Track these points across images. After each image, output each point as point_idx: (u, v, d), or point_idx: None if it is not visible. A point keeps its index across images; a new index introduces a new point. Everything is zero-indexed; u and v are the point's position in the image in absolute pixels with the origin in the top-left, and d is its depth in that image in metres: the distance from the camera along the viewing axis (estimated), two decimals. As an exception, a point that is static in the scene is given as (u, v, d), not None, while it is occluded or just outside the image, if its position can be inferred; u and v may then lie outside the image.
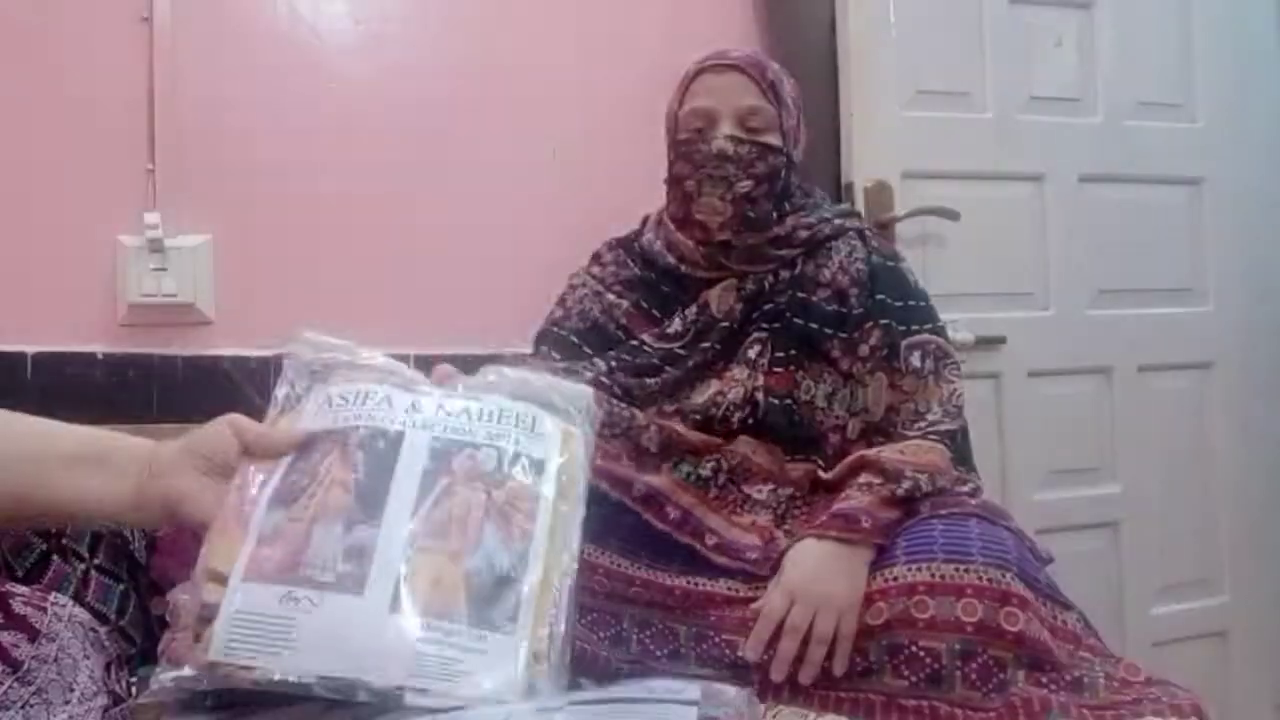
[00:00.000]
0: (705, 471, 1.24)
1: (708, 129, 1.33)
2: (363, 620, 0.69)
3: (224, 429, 0.77)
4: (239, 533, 0.72)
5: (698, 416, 1.27)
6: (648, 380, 1.29)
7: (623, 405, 1.26)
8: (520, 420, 0.80)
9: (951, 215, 1.79)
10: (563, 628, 0.73)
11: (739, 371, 1.29)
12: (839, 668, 1.07)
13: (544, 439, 0.80)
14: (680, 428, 1.26)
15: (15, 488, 0.76)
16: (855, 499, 1.15)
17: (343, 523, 0.72)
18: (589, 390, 0.87)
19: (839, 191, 1.77)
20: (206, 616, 0.70)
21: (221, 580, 0.71)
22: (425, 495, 0.74)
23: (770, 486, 1.25)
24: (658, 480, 1.22)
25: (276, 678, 0.68)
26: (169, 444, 0.78)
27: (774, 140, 1.33)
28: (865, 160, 1.78)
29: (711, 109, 1.33)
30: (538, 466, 0.78)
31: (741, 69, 1.34)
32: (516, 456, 0.77)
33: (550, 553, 0.75)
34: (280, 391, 0.81)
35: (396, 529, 0.72)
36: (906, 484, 1.14)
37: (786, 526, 1.22)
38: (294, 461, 0.76)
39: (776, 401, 1.27)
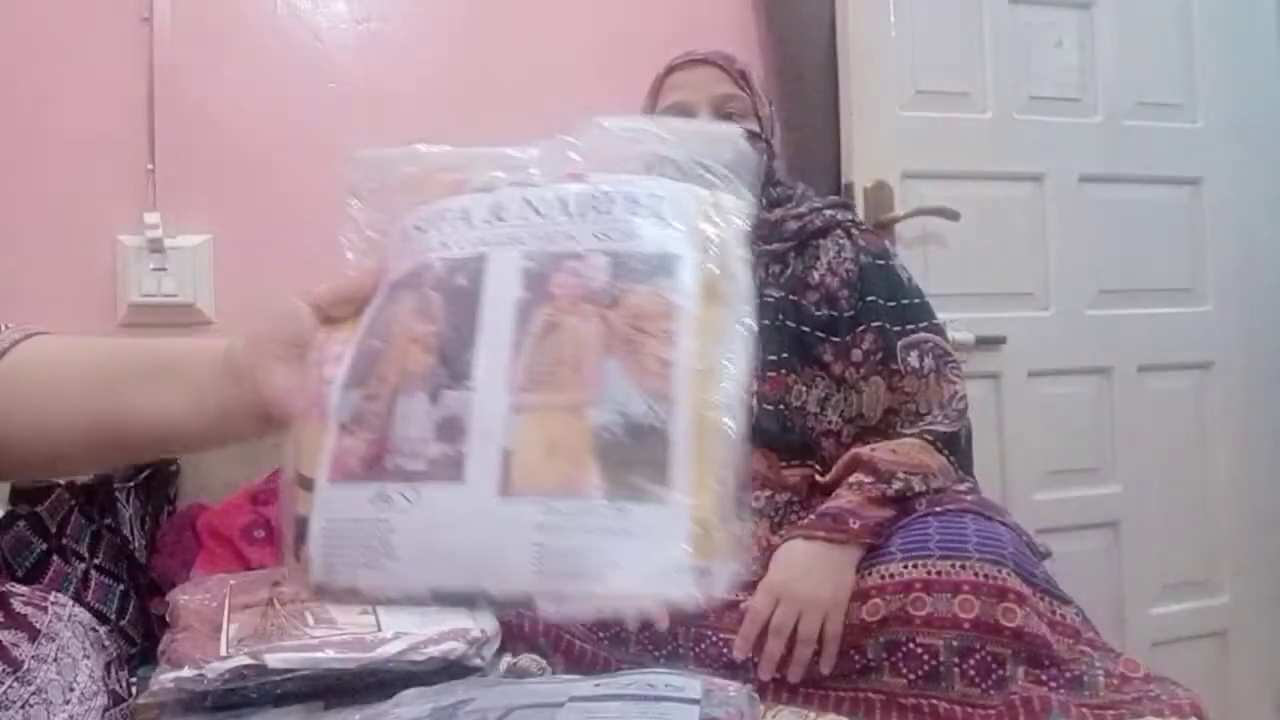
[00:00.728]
0: None
1: None
2: (468, 512, 0.54)
3: (296, 302, 0.66)
4: (319, 424, 0.59)
5: None
6: None
7: None
8: (635, 202, 0.59)
9: (951, 215, 1.79)
10: (734, 482, 0.54)
11: None
12: (825, 667, 1.07)
13: (674, 221, 0.59)
14: None
15: (89, 409, 0.69)
16: (845, 499, 1.15)
17: (427, 390, 0.57)
18: (734, 131, 0.64)
19: (839, 192, 1.76)
20: (300, 533, 0.58)
21: (310, 487, 0.59)
22: (523, 335, 0.56)
23: (767, 493, 1.25)
24: None
25: (385, 598, 0.56)
26: (240, 341, 0.68)
27: (752, 126, 1.33)
28: (865, 160, 1.78)
29: (687, 102, 1.33)
30: (667, 265, 0.57)
31: (711, 62, 1.35)
32: (635, 257, 0.57)
33: (702, 383, 0.55)
34: (350, 236, 0.67)
35: (492, 386, 0.56)
36: (897, 484, 1.14)
37: (783, 533, 1.22)
38: (371, 322, 0.61)
39: (769, 407, 1.27)
